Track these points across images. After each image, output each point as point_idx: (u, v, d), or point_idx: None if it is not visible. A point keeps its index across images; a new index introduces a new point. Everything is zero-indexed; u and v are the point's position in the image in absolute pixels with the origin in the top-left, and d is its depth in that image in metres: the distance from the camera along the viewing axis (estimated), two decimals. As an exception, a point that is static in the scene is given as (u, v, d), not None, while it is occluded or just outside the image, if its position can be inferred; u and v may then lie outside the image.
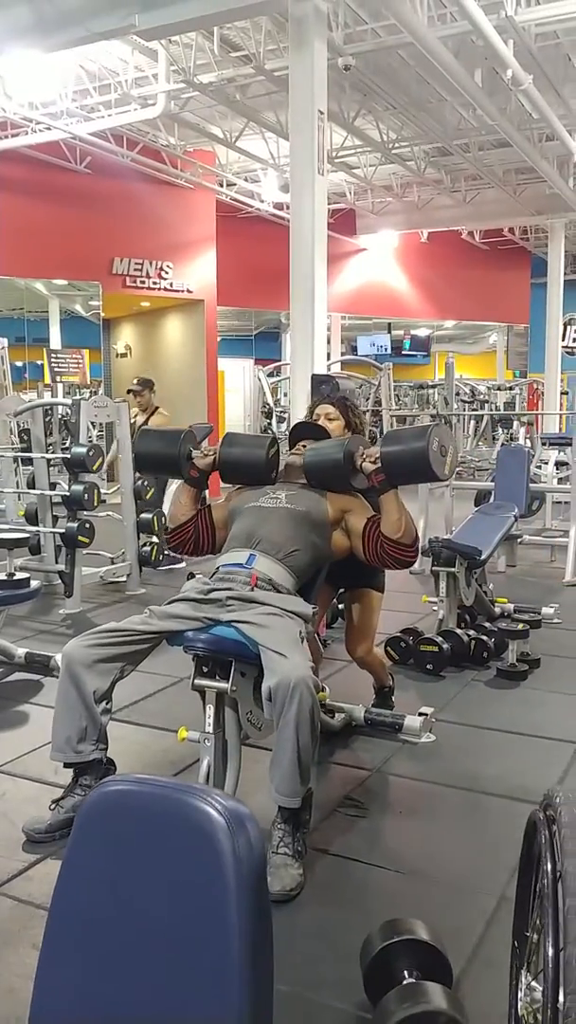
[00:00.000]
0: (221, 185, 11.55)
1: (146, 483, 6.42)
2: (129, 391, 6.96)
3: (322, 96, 5.98)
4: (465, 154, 10.28)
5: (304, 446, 3.00)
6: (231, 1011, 0.87)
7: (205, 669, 2.54)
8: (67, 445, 7.43)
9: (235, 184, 11.65)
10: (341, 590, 3.48)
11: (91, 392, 10.43)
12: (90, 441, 5.57)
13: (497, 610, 4.86)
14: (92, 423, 5.72)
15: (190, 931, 0.91)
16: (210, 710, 2.53)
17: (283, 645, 2.36)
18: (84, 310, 11.93)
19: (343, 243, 13.20)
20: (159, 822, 0.95)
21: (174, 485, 6.72)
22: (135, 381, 7.11)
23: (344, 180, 11.91)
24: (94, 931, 0.96)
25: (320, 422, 3.15)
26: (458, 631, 4.23)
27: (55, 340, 11.80)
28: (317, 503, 2.82)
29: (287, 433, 8.12)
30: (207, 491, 3.21)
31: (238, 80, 8.09)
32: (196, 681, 2.53)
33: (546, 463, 8.78)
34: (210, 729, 2.53)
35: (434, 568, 4.37)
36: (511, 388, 15.78)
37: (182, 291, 11.18)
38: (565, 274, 13.58)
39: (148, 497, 6.41)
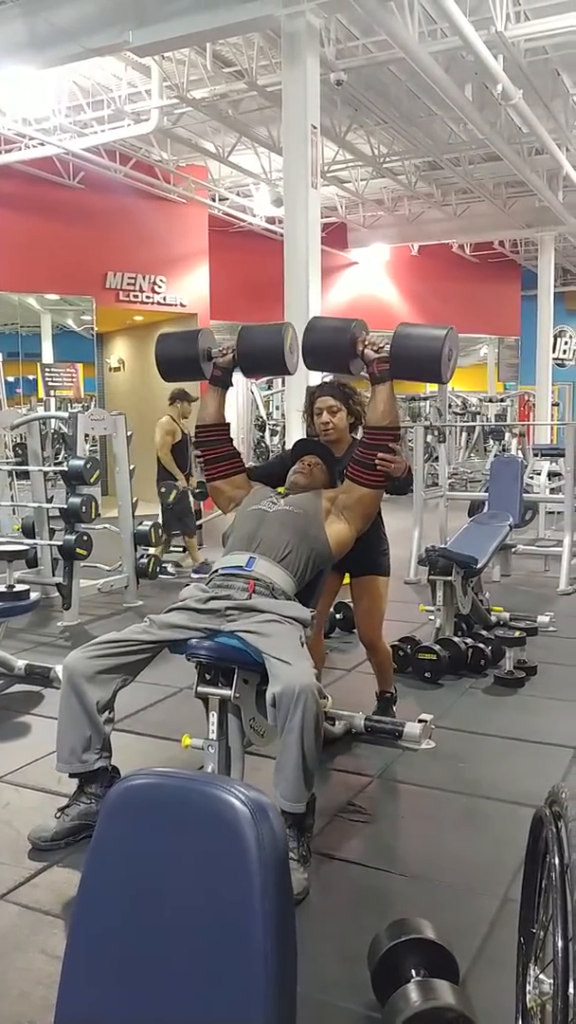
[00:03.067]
0: (214, 200, 11.63)
1: (164, 489, 6.59)
2: (173, 400, 6.88)
3: (315, 111, 6.06)
4: (456, 168, 10.40)
5: (307, 464, 3.03)
6: (257, 997, 0.89)
7: (208, 677, 2.56)
8: (59, 459, 7.48)
9: (227, 199, 11.74)
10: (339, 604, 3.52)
11: (84, 406, 10.47)
12: (89, 453, 5.59)
13: (493, 619, 4.90)
14: (87, 436, 5.74)
15: (216, 919, 0.93)
16: (213, 717, 2.56)
17: (287, 652, 2.38)
18: (76, 325, 11.96)
19: (335, 256, 13.30)
20: (183, 813, 0.98)
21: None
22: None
23: (336, 194, 12.02)
24: (120, 922, 0.98)
25: (323, 417, 3.16)
26: (455, 639, 4.27)
27: (47, 355, 11.82)
28: (313, 500, 2.86)
29: (280, 446, 8.13)
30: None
31: (231, 95, 8.18)
32: (199, 689, 2.55)
33: (539, 474, 8.85)
34: (214, 736, 2.55)
35: (431, 577, 4.40)
36: (502, 400, 15.89)
37: (175, 305, 11.24)
38: (555, 286, 13.71)
39: (171, 500, 6.53)
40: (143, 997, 0.95)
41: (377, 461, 2.79)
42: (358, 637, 3.48)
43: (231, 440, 3.11)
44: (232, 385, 3.15)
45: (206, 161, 10.69)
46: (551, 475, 8.74)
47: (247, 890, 0.91)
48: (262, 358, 2.99)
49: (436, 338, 2.67)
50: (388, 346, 2.73)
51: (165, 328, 12.31)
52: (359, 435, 3.36)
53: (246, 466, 3.16)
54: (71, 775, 2.60)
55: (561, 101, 8.68)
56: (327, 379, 3.48)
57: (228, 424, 3.12)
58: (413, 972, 1.80)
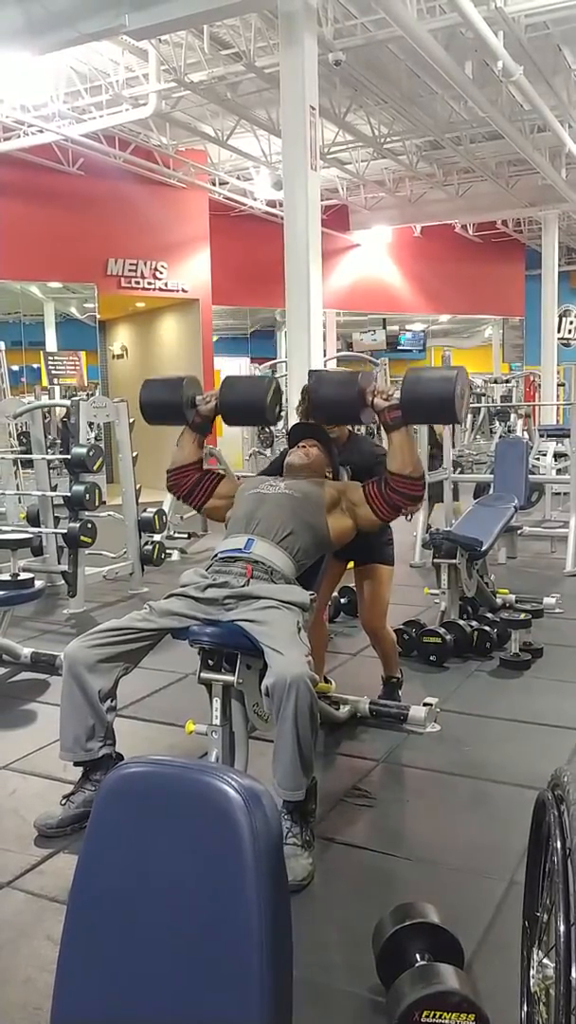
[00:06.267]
0: (214, 184, 11.55)
1: None
2: None
3: (313, 92, 5.99)
4: (457, 147, 10.29)
5: (303, 446, 3.02)
6: (252, 985, 0.89)
7: (211, 662, 2.56)
8: (62, 446, 7.46)
9: (227, 183, 11.66)
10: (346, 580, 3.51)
11: (87, 394, 10.45)
12: (91, 441, 5.58)
13: (498, 601, 4.89)
14: (90, 424, 5.73)
15: (210, 907, 0.93)
16: (217, 703, 2.56)
17: (280, 641, 2.37)
18: (79, 312, 11.94)
19: (336, 239, 13.21)
20: (177, 801, 0.97)
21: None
22: None
23: (336, 176, 11.92)
24: (115, 910, 0.98)
25: None
26: (461, 622, 4.26)
27: (51, 343, 11.80)
28: (314, 488, 2.85)
29: (284, 431, 8.14)
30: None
31: (229, 78, 8.09)
32: (202, 674, 2.55)
33: (544, 455, 8.80)
34: (217, 722, 2.55)
35: (435, 560, 4.39)
36: (507, 381, 15.79)
37: (177, 291, 11.19)
38: (559, 265, 13.59)
39: None
40: (138, 984, 0.95)
41: (399, 503, 2.78)
42: (361, 625, 3.47)
43: (200, 467, 3.07)
44: (210, 432, 3.17)
45: (205, 145, 10.61)
46: (557, 456, 8.69)
47: (241, 878, 0.91)
48: (244, 409, 3.05)
49: (448, 380, 2.67)
50: (398, 393, 2.72)
51: (167, 314, 12.29)
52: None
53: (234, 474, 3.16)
54: (75, 763, 2.61)
55: (563, 77, 8.57)
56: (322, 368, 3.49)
57: (200, 460, 3.08)
58: (417, 956, 1.80)
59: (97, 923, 0.98)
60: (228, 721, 2.56)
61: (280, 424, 12.68)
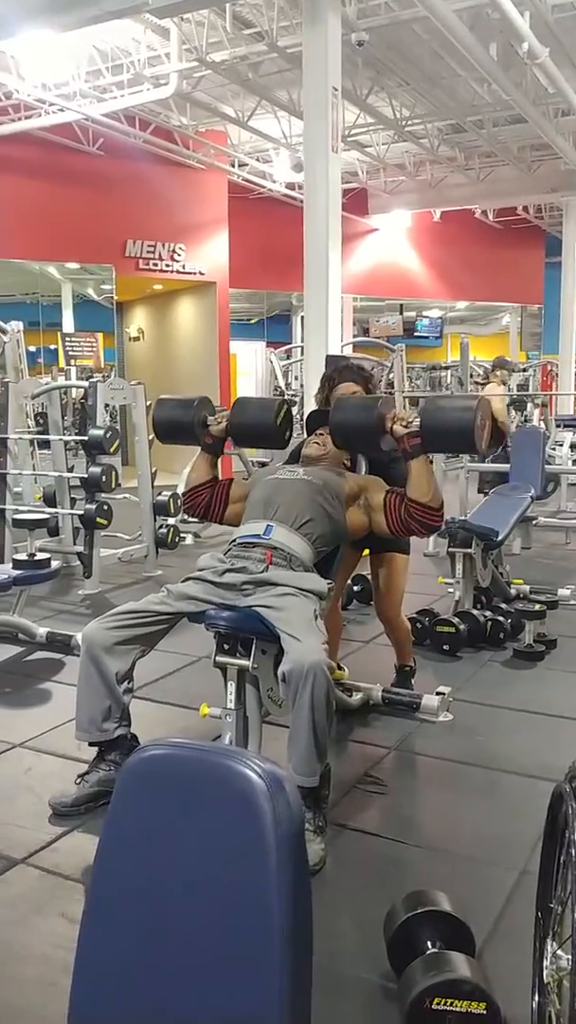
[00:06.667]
0: (233, 165, 11.47)
1: None
2: (494, 368, 7.41)
3: (336, 72, 5.94)
4: (479, 131, 10.16)
5: (320, 434, 3.01)
6: (272, 971, 0.89)
7: (227, 646, 2.57)
8: (79, 427, 7.50)
9: (247, 164, 11.57)
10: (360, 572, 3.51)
11: (103, 376, 10.46)
12: (109, 422, 5.59)
13: (513, 591, 4.87)
14: (106, 406, 5.73)
15: (230, 892, 0.93)
16: (231, 687, 2.57)
17: (297, 628, 2.37)
18: (96, 294, 11.91)
19: (355, 223, 13.09)
20: (198, 785, 0.98)
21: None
22: None
23: (356, 159, 11.80)
24: (136, 893, 0.98)
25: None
26: (475, 612, 4.25)
27: (68, 324, 11.79)
28: (335, 477, 2.84)
29: (300, 416, 8.16)
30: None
31: (250, 58, 8.01)
32: (218, 658, 2.56)
33: (561, 444, 8.74)
34: (232, 706, 2.56)
35: (451, 549, 4.37)
36: (524, 370, 15.67)
37: (194, 273, 11.14)
38: (581, 253, 13.43)
39: None
40: (158, 969, 0.96)
41: (415, 529, 2.78)
42: (376, 613, 3.47)
43: (214, 484, 3.06)
44: (223, 453, 3.20)
45: (225, 126, 10.52)
46: (574, 446, 8.64)
47: (263, 863, 0.91)
48: (253, 431, 3.07)
49: (468, 408, 2.66)
50: (417, 420, 2.69)
51: (184, 297, 12.23)
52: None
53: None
54: (90, 744, 2.63)
55: (590, 60, 8.42)
56: (343, 362, 3.48)
57: (215, 478, 3.08)
58: (429, 944, 1.80)
59: (118, 906, 0.99)
60: (242, 705, 2.57)
61: (295, 409, 12.62)
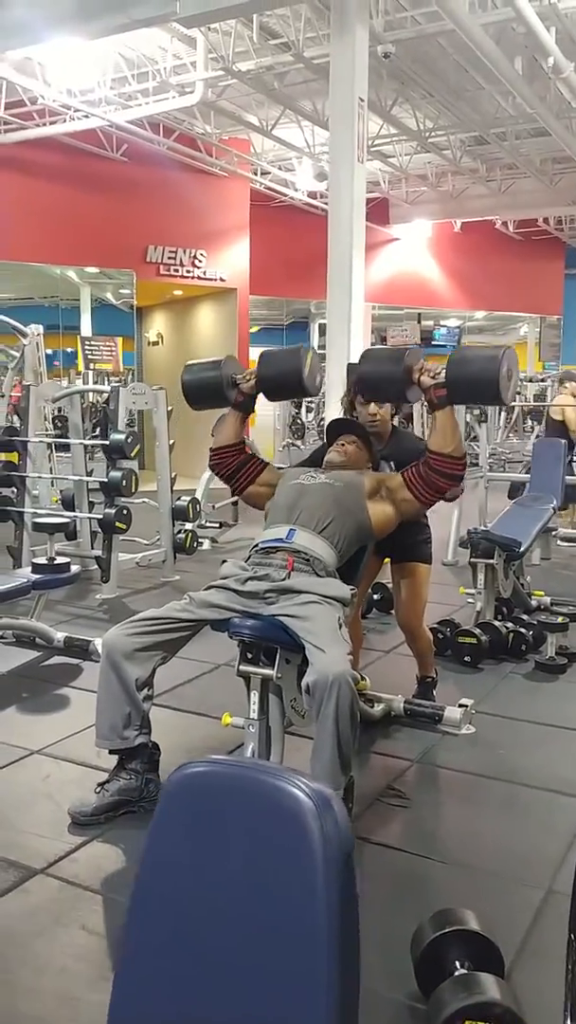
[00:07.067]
0: (256, 173, 11.50)
1: None
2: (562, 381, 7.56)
3: (363, 84, 5.93)
4: (502, 143, 10.15)
5: (342, 444, 2.99)
6: (320, 994, 0.87)
7: (250, 655, 2.55)
8: (96, 432, 7.50)
9: (269, 172, 11.60)
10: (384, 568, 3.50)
11: (120, 380, 10.50)
12: (128, 427, 5.58)
13: (533, 603, 4.84)
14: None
15: (277, 913, 0.91)
16: (255, 696, 2.55)
17: (322, 638, 2.35)
18: (115, 298, 11.96)
19: (376, 232, 13.09)
20: (244, 804, 0.96)
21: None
22: None
23: (379, 169, 11.81)
24: (179, 913, 0.96)
25: (371, 408, 3.17)
26: (496, 623, 4.21)
27: (86, 328, 11.84)
28: (355, 476, 2.82)
29: (317, 423, 8.06)
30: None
31: (276, 68, 8.04)
32: (241, 667, 2.54)
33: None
34: (255, 715, 2.54)
35: (472, 560, 4.35)
36: (542, 380, 15.61)
37: (215, 280, 11.17)
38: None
39: None
40: (201, 990, 0.94)
41: (440, 484, 2.73)
42: (397, 623, 3.45)
43: (244, 450, 3.07)
44: (253, 411, 3.18)
45: (249, 134, 10.56)
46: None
47: (311, 884, 0.89)
48: (282, 381, 3.03)
49: (493, 359, 2.63)
50: (444, 372, 2.68)
51: (204, 303, 12.26)
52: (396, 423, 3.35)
53: (275, 464, 3.14)
54: (110, 752, 2.61)
55: (614, 74, 8.39)
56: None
57: (243, 441, 3.08)
58: (457, 964, 1.77)
59: (160, 924, 0.97)
60: (265, 715, 2.55)
61: (312, 415, 12.58)
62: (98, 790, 2.60)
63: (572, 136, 9.25)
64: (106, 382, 10.12)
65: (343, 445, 2.97)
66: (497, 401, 2.73)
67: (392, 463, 3.15)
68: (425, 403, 2.81)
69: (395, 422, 3.32)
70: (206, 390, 3.08)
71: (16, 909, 2.15)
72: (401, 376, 2.71)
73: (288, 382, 3.01)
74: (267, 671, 2.50)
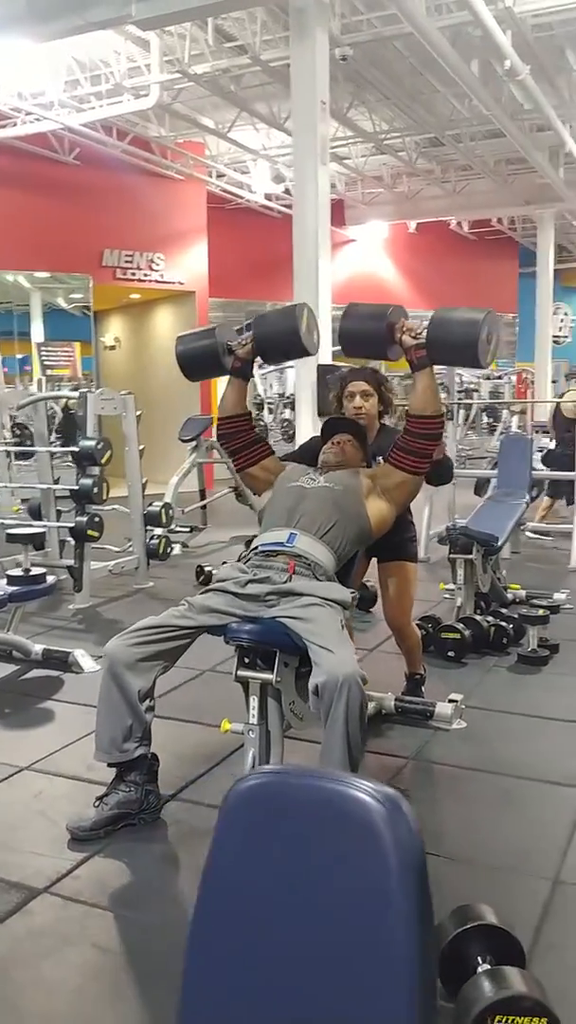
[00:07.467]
0: (211, 176, 11.46)
1: None
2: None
3: (324, 86, 5.97)
4: (457, 144, 10.27)
5: (337, 443, 2.98)
6: (402, 1003, 0.86)
7: (247, 660, 2.53)
8: (55, 439, 7.40)
9: (224, 175, 11.57)
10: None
11: (74, 386, 10.37)
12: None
13: (509, 596, 4.89)
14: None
15: (352, 923, 0.89)
16: (254, 701, 2.52)
17: (329, 640, 2.34)
18: (66, 303, 11.78)
19: (333, 234, 13.07)
20: (309, 813, 0.94)
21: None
22: None
23: (335, 171, 11.86)
24: (246, 929, 0.94)
25: (356, 401, 3.16)
26: (477, 618, 4.25)
27: (37, 333, 11.64)
28: (352, 478, 2.81)
29: (275, 424, 8.05)
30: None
31: (233, 71, 8.02)
32: (239, 672, 2.52)
33: (542, 451, 8.80)
34: (255, 720, 2.52)
35: (451, 555, 4.38)
36: (498, 377, 15.83)
37: (173, 283, 11.10)
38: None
39: None
40: (275, 1001, 0.92)
41: (421, 448, 2.72)
42: (386, 622, 3.45)
43: (253, 427, 3.05)
44: (252, 376, 3.11)
45: (204, 137, 10.52)
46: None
47: (385, 893, 0.88)
48: (280, 341, 2.95)
49: (474, 322, 2.60)
50: (425, 332, 2.67)
51: (162, 306, 12.14)
52: (387, 422, 3.34)
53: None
54: (109, 765, 2.55)
55: (565, 77, 8.56)
56: (337, 371, 3.49)
57: (249, 413, 3.06)
58: (480, 959, 1.77)
59: (227, 942, 0.94)
60: (265, 719, 2.53)
61: (272, 417, 12.49)
62: (97, 804, 2.54)
63: (526, 137, 9.39)
64: (60, 389, 10.00)
65: (339, 444, 2.95)
66: (475, 364, 2.68)
67: (380, 459, 3.15)
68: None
69: (384, 420, 3.31)
70: (202, 359, 3.01)
71: (21, 931, 2.09)
72: (383, 333, 2.70)
73: (285, 341, 2.93)
74: (267, 675, 2.47)
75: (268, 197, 12.15)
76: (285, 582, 2.52)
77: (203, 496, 7.95)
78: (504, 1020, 1.59)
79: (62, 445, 7.43)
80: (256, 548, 2.67)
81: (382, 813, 0.89)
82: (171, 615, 2.53)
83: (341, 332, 2.84)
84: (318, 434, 3.21)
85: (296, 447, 4.23)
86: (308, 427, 6.29)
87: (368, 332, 2.78)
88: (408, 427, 2.72)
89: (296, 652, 2.47)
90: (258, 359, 3.05)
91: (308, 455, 3.10)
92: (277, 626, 2.45)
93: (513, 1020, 1.60)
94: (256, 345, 2.92)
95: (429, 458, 2.77)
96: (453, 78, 7.48)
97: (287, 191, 11.89)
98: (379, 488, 2.79)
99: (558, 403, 7.10)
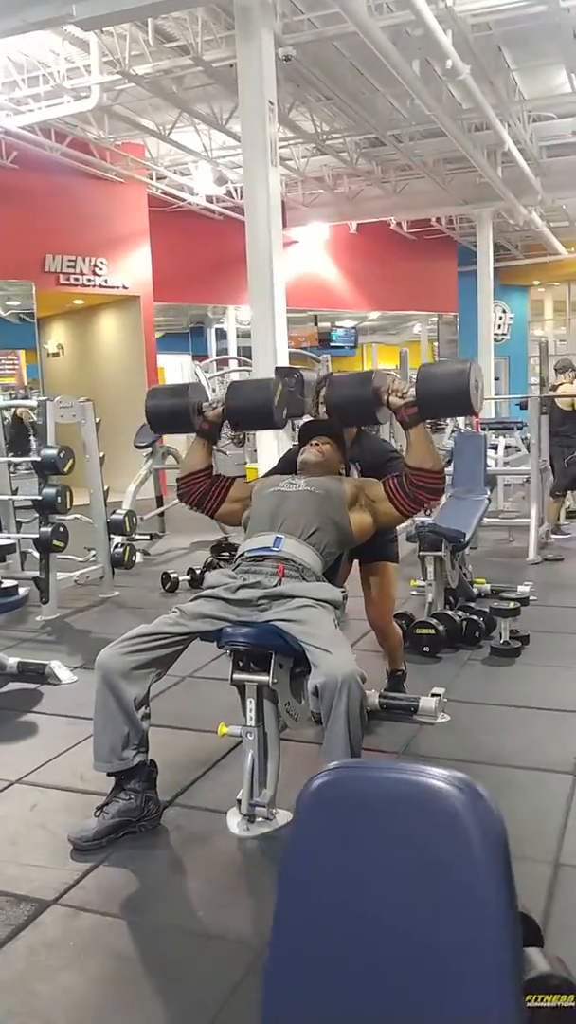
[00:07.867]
0: (152, 178, 11.38)
1: None
2: (564, 369, 7.56)
3: (271, 87, 5.98)
4: (397, 144, 10.40)
5: (316, 444, 3.01)
6: (494, 995, 0.88)
7: (242, 663, 2.55)
8: (11, 447, 7.24)
9: (166, 177, 11.50)
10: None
11: (12, 394, 10.19)
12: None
13: (475, 590, 4.99)
14: (33, 424, 5.54)
15: (439, 916, 0.91)
16: (251, 704, 2.54)
17: (325, 640, 2.37)
18: (3, 310, 11.54)
19: (274, 235, 13.18)
20: (390, 806, 0.95)
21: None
22: None
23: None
24: (331, 926, 0.95)
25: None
26: (449, 612, 4.32)
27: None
28: (335, 484, 2.84)
29: (232, 437, 7.95)
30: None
31: (174, 71, 7.98)
32: (235, 676, 2.54)
33: (494, 448, 8.99)
34: (252, 723, 2.53)
35: (421, 552, 4.44)
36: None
37: (117, 288, 10.99)
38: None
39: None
40: (363, 995, 0.93)
41: (422, 498, 2.78)
42: (368, 622, 3.48)
43: (210, 473, 3.04)
44: (220, 439, 3.18)
45: (144, 139, 10.44)
46: (508, 448, 8.91)
47: (474, 885, 0.90)
48: (251, 414, 3.03)
49: (461, 372, 2.69)
50: (413, 390, 2.73)
51: (106, 311, 11.99)
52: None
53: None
54: (109, 774, 2.54)
55: (503, 77, 8.75)
56: (296, 373, 3.54)
57: (210, 466, 3.06)
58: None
59: (312, 940, 0.96)
60: (262, 722, 2.55)
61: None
62: (97, 813, 2.52)
63: (466, 137, 9.56)
64: (14, 397, 9.80)
65: (318, 445, 2.98)
66: (468, 412, 2.80)
67: (358, 464, 3.19)
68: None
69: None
70: (170, 416, 3.06)
71: (36, 944, 2.07)
72: (370, 399, 2.77)
73: (257, 414, 3.01)
74: (263, 677, 2.49)
75: (210, 199, 12.13)
76: (275, 585, 2.54)
77: (160, 503, 7.89)
78: (534, 999, 1.63)
79: (12, 455, 7.28)
80: (243, 554, 2.69)
81: (464, 801, 0.91)
82: (163, 622, 2.53)
83: (328, 404, 2.91)
84: (294, 443, 3.24)
85: (259, 463, 4.26)
86: (268, 436, 6.30)
87: (356, 399, 2.84)
88: (413, 478, 2.72)
89: (290, 654, 2.50)
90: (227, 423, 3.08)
91: (289, 467, 3.13)
92: (271, 629, 2.47)
93: (542, 999, 1.64)
94: (228, 414, 2.98)
95: (422, 506, 2.85)
96: (395, 78, 7.56)
97: (229, 193, 11.89)
98: (364, 500, 2.82)
99: (553, 397, 7.21)
